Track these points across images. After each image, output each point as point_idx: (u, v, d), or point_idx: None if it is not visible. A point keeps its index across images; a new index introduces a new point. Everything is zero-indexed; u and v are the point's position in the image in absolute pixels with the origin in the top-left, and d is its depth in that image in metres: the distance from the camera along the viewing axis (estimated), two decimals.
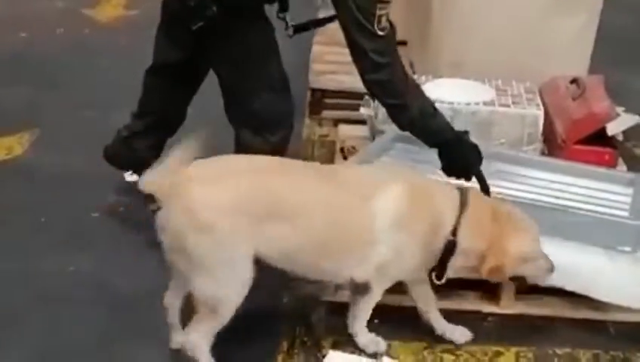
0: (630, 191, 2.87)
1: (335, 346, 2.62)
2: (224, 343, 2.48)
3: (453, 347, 2.65)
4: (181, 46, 2.85)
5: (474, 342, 2.67)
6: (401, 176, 2.43)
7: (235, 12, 2.67)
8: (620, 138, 3.86)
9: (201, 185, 2.23)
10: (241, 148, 2.86)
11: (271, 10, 2.87)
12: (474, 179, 2.65)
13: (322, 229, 2.31)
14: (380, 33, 2.44)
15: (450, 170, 2.66)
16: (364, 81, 2.54)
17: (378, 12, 2.42)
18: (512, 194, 2.77)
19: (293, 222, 2.28)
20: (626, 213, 2.66)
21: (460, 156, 2.64)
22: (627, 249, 2.57)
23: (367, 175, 2.47)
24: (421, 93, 2.64)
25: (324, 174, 2.42)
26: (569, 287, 2.67)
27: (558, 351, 2.66)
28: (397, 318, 2.74)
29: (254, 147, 2.81)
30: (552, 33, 3.85)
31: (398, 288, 2.77)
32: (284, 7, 2.81)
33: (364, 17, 2.42)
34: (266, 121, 2.81)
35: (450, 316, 2.76)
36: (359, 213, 2.33)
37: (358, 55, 2.50)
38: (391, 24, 2.49)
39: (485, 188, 2.63)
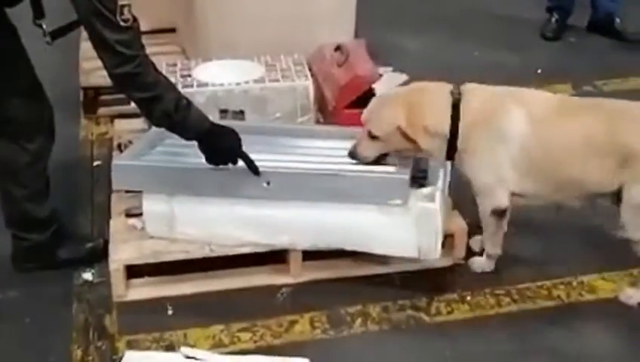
0: None
1: (130, 346, 2.60)
2: (12, 360, 2.41)
3: (248, 324, 2.69)
4: None
5: (269, 315, 2.73)
6: None
7: None
8: None
9: None
10: None
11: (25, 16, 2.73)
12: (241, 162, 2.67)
13: None
14: (124, 25, 2.39)
15: (213, 159, 2.68)
16: (112, 76, 2.48)
17: (120, 2, 2.38)
18: (289, 166, 2.81)
19: None
20: (393, 169, 2.78)
21: (220, 144, 2.66)
22: (398, 202, 2.69)
23: None
24: (174, 87, 2.63)
25: None
26: (349, 247, 2.78)
27: (350, 310, 2.77)
28: (190, 305, 2.76)
29: (10, 156, 2.73)
30: (315, 3, 3.94)
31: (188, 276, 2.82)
32: (39, 14, 2.70)
33: (106, 9, 2.36)
34: (21, 127, 2.71)
35: (244, 294, 2.81)
36: None
37: (104, 49, 2.43)
38: (134, 18, 2.45)
39: (253, 168, 2.67)
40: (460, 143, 2.69)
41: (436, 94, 2.74)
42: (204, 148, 2.65)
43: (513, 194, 2.74)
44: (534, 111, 2.67)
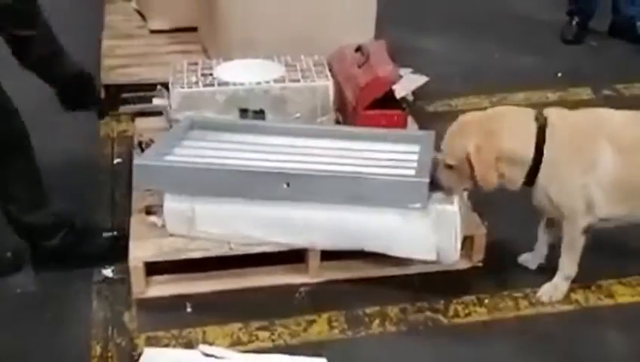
0: (418, 149, 3.00)
1: (149, 343, 2.62)
2: (32, 356, 2.43)
3: (266, 323, 2.70)
4: None
5: (287, 314, 2.74)
6: None
7: None
8: (411, 98, 4.04)
9: None
10: None
11: None
12: None
13: None
14: None
15: (74, 102, 2.79)
16: None
17: None
18: (309, 167, 2.82)
19: None
20: (413, 172, 2.78)
21: (84, 88, 2.78)
22: (417, 205, 2.69)
23: None
24: (51, 30, 2.60)
25: None
26: (367, 248, 2.79)
27: (368, 311, 2.77)
28: (209, 303, 2.78)
29: None
30: (335, 3, 3.96)
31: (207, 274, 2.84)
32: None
33: None
34: None
35: (263, 293, 2.83)
36: None
37: None
38: None
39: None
40: (543, 170, 2.63)
41: (519, 119, 2.67)
42: (69, 91, 2.73)
43: (600, 219, 2.70)
44: (620, 139, 2.63)
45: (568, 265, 2.80)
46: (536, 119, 2.65)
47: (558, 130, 2.64)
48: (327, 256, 2.86)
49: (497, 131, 2.61)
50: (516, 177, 2.66)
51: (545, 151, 2.61)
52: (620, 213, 2.71)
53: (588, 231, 2.72)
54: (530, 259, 2.97)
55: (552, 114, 2.69)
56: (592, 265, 2.88)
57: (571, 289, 2.85)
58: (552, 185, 2.66)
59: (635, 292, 2.87)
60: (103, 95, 3.97)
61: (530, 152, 2.61)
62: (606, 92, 4.35)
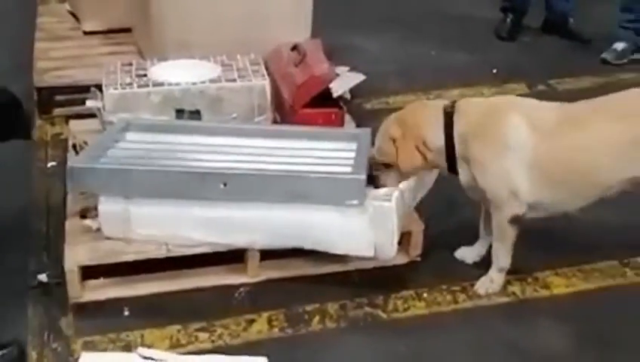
0: (355, 146, 3.01)
1: (87, 347, 2.58)
2: None
3: (206, 324, 2.69)
4: None
5: (227, 315, 2.73)
6: None
7: None
8: (348, 96, 4.05)
9: None
10: None
11: None
12: None
13: None
14: None
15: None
16: None
17: None
18: (246, 167, 2.81)
19: None
20: (350, 169, 2.79)
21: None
22: (355, 202, 2.70)
23: None
24: None
25: None
26: (306, 246, 2.78)
27: (308, 308, 2.78)
28: (147, 306, 2.75)
29: None
30: (271, 3, 3.95)
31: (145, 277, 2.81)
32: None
33: None
34: None
35: (202, 294, 2.81)
36: None
37: None
38: None
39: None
40: (459, 154, 2.71)
41: (429, 111, 2.78)
42: None
43: (530, 207, 2.73)
44: (536, 121, 2.68)
45: (501, 256, 2.83)
46: (445, 108, 2.74)
47: (465, 114, 2.72)
48: (267, 255, 2.86)
49: (412, 123, 2.74)
50: (438, 162, 2.76)
51: (455, 136, 2.70)
52: (548, 200, 2.74)
53: (517, 221, 2.75)
54: (468, 254, 3.00)
55: (463, 102, 2.78)
56: (528, 258, 2.93)
57: (508, 282, 2.89)
58: (473, 169, 2.72)
59: (569, 283, 2.93)
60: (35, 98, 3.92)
61: (440, 139, 2.72)
62: (540, 87, 4.43)
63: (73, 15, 4.56)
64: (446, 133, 2.72)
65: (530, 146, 2.65)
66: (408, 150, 2.73)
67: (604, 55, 4.76)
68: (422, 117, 2.77)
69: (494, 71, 4.60)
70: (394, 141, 2.74)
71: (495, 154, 2.68)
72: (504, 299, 2.84)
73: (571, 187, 2.72)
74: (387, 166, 2.79)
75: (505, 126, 2.68)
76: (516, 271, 2.91)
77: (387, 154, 2.77)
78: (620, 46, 4.77)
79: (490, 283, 2.86)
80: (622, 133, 2.66)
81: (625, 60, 4.74)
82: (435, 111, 2.76)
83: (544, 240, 3.03)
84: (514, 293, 2.87)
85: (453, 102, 2.78)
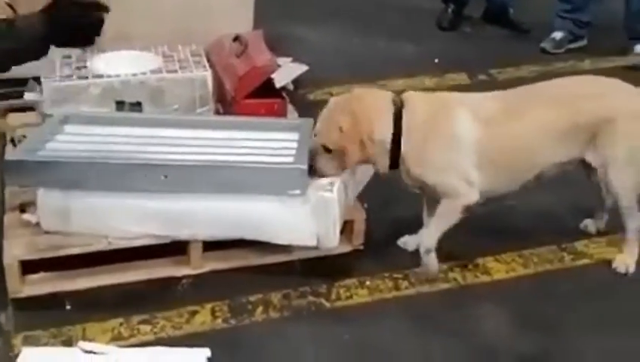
0: (297, 136, 3.02)
1: (27, 342, 2.55)
2: None
3: (148, 317, 2.67)
4: None
5: (169, 307, 2.72)
6: None
7: None
8: (291, 87, 4.06)
9: None
10: None
11: None
12: None
13: None
14: None
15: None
16: None
17: None
18: (187, 158, 2.80)
19: None
20: (292, 159, 2.80)
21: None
22: (296, 192, 2.71)
23: None
24: None
25: None
26: (249, 237, 2.79)
27: (251, 298, 2.78)
28: (89, 299, 2.73)
29: None
30: None
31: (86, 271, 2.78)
32: None
33: None
34: None
35: (144, 286, 2.79)
36: None
37: None
38: None
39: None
40: (404, 151, 2.71)
41: (377, 103, 2.76)
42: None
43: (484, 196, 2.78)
44: (480, 112, 2.73)
45: (426, 237, 2.86)
46: (394, 102, 2.74)
47: (414, 109, 2.73)
48: (210, 246, 2.85)
49: (363, 116, 2.70)
50: (378, 157, 2.74)
51: (403, 131, 2.71)
52: (500, 189, 2.81)
53: (469, 209, 2.80)
54: (410, 241, 3.03)
55: (410, 96, 2.79)
56: (468, 244, 2.98)
57: (449, 268, 2.93)
58: (421, 168, 2.73)
59: (509, 268, 2.98)
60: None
61: (388, 133, 2.71)
62: (481, 77, 4.49)
63: (10, 6, 4.47)
64: (395, 128, 2.71)
65: (477, 136, 2.70)
66: (357, 142, 2.70)
67: (543, 44, 4.85)
68: (373, 110, 2.73)
69: (436, 61, 4.65)
70: (340, 129, 2.71)
71: (443, 149, 2.72)
72: (445, 286, 2.88)
73: (512, 171, 2.79)
74: (327, 150, 2.75)
75: (451, 119, 2.72)
76: (457, 258, 2.96)
77: (332, 143, 2.72)
78: (558, 35, 4.86)
79: (425, 269, 2.89)
80: (555, 121, 2.74)
81: (562, 50, 4.83)
82: (385, 105, 2.74)
83: (484, 227, 3.08)
84: (455, 279, 2.91)
85: (400, 95, 2.78)
